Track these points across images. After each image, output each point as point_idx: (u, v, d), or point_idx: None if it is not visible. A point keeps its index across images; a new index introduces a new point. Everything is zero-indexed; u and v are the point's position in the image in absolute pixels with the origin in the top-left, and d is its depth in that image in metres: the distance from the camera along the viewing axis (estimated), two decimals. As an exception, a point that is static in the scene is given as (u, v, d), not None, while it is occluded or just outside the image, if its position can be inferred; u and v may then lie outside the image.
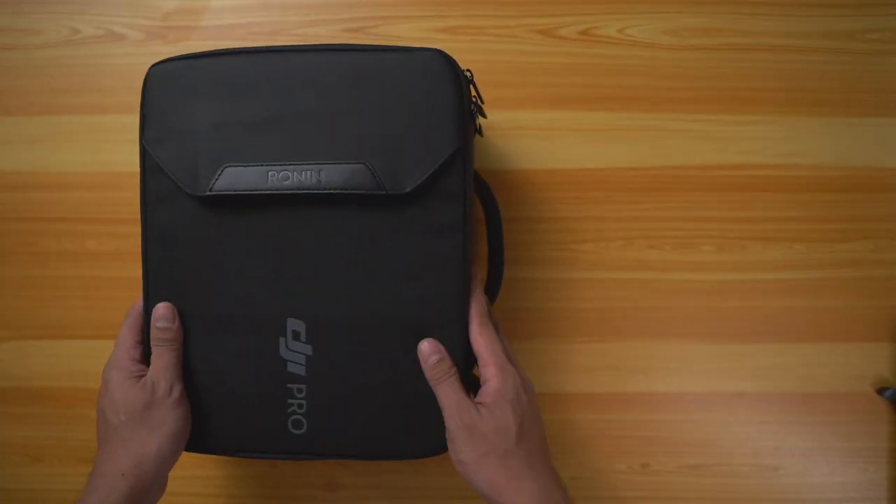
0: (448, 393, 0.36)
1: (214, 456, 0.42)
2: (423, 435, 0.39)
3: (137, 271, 0.40)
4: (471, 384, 0.39)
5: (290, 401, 0.39)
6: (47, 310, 0.52)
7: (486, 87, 0.51)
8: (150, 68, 0.38)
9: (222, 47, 0.40)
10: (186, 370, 0.39)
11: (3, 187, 0.52)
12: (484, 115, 0.44)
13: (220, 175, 0.36)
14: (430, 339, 0.38)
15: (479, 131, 0.45)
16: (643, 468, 0.52)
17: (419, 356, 0.37)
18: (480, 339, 0.37)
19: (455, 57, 0.38)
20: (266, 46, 0.38)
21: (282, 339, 0.38)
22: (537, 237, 0.52)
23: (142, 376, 0.37)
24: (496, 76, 0.51)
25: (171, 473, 0.38)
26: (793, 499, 0.52)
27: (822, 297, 0.52)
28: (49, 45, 0.52)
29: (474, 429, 0.35)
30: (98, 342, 0.52)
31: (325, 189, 0.36)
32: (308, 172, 0.36)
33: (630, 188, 0.52)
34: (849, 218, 0.52)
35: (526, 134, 0.52)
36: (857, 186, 0.51)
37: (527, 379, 0.39)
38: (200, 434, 0.39)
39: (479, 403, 0.36)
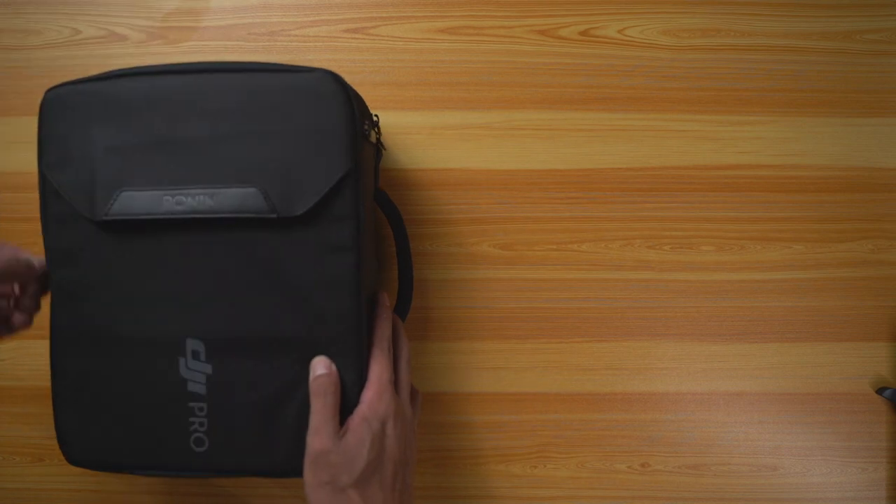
0: (317, 410, 0.36)
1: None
2: None
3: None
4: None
5: (192, 419, 0.39)
6: (47, 309, 0.52)
7: (487, 87, 0.51)
8: (46, 92, 0.38)
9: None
10: (90, 390, 0.39)
11: (4, 187, 0.52)
12: (382, 146, 0.44)
13: (115, 200, 0.37)
14: (326, 357, 0.38)
15: (380, 148, 0.45)
16: (643, 468, 0.52)
17: (310, 370, 0.38)
18: (373, 363, 0.38)
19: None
20: (160, 66, 0.38)
21: (181, 359, 0.38)
22: (537, 237, 0.52)
23: None
24: (496, 76, 0.51)
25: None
26: (792, 498, 0.52)
27: (821, 297, 0.52)
28: (50, 46, 0.52)
29: (323, 455, 0.35)
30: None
31: (218, 213, 0.36)
32: (201, 196, 0.37)
33: (630, 188, 0.52)
34: (848, 218, 0.52)
35: (526, 134, 0.52)
36: (856, 186, 0.52)
37: (406, 416, 0.39)
38: (103, 451, 0.39)
39: (345, 429, 0.36)
